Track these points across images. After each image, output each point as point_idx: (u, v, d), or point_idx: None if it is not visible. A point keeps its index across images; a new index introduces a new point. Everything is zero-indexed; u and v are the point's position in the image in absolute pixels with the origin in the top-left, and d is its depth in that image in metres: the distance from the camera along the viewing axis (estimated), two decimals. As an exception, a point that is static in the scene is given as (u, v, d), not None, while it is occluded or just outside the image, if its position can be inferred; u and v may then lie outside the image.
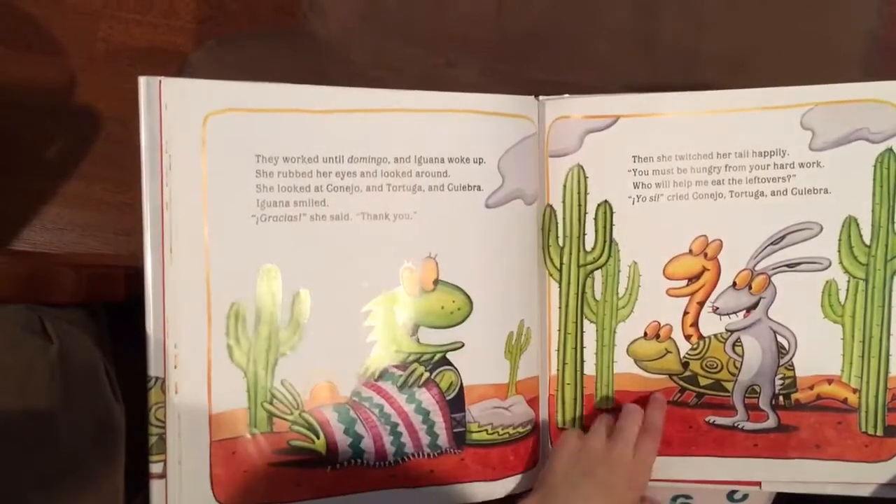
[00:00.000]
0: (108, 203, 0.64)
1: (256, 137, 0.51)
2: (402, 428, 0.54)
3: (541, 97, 0.57)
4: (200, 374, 0.51)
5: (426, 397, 0.55)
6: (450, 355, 0.55)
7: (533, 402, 0.58)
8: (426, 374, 0.54)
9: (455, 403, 0.55)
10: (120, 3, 0.64)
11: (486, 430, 0.56)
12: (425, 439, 0.55)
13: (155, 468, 0.50)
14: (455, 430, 0.55)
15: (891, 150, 0.55)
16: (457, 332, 0.55)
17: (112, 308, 0.58)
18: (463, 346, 0.55)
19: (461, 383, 0.55)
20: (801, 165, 0.56)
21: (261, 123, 0.51)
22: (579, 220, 0.57)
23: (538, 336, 0.58)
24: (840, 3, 0.69)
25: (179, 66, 0.63)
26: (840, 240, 0.56)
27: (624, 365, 0.58)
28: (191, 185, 0.50)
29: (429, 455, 0.55)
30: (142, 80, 0.49)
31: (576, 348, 0.58)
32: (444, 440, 0.55)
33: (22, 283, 0.52)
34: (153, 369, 0.50)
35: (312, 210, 0.52)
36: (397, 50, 0.67)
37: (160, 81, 0.50)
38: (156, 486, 0.50)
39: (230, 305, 0.51)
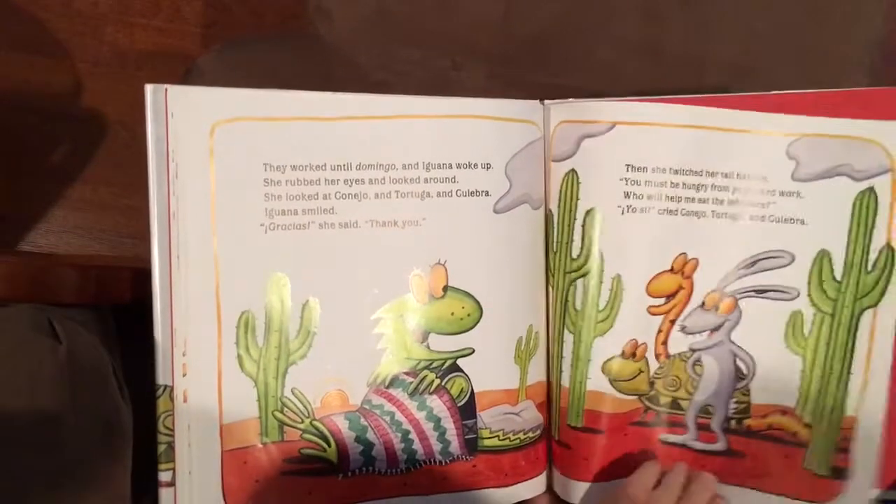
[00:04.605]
0: (114, 207, 0.63)
1: (264, 146, 0.51)
2: (413, 435, 0.54)
3: (546, 101, 0.56)
4: (211, 384, 0.51)
5: (437, 404, 0.54)
6: (460, 361, 0.54)
7: (541, 407, 0.58)
8: (437, 381, 0.54)
9: (466, 410, 0.55)
10: (126, 6, 0.63)
11: (498, 436, 0.56)
12: (437, 446, 0.55)
13: (164, 476, 0.50)
14: (466, 437, 0.55)
15: (872, 189, 0.54)
16: (467, 339, 0.54)
17: (119, 311, 0.58)
18: (473, 352, 0.55)
19: (472, 389, 0.55)
20: (782, 194, 0.55)
21: (268, 132, 0.51)
22: (569, 225, 0.56)
23: (545, 340, 0.58)
24: (846, 9, 0.69)
25: (186, 70, 0.63)
26: (811, 272, 0.55)
27: (597, 383, 0.56)
28: (199, 194, 0.50)
29: (440, 462, 0.55)
30: (148, 87, 0.49)
31: (556, 357, 0.57)
32: (455, 447, 0.55)
33: (28, 283, 0.52)
34: (161, 377, 0.50)
35: (321, 218, 0.52)
36: (403, 53, 0.67)
37: (166, 90, 0.49)
38: (165, 495, 0.50)
39: (240, 315, 0.51)
